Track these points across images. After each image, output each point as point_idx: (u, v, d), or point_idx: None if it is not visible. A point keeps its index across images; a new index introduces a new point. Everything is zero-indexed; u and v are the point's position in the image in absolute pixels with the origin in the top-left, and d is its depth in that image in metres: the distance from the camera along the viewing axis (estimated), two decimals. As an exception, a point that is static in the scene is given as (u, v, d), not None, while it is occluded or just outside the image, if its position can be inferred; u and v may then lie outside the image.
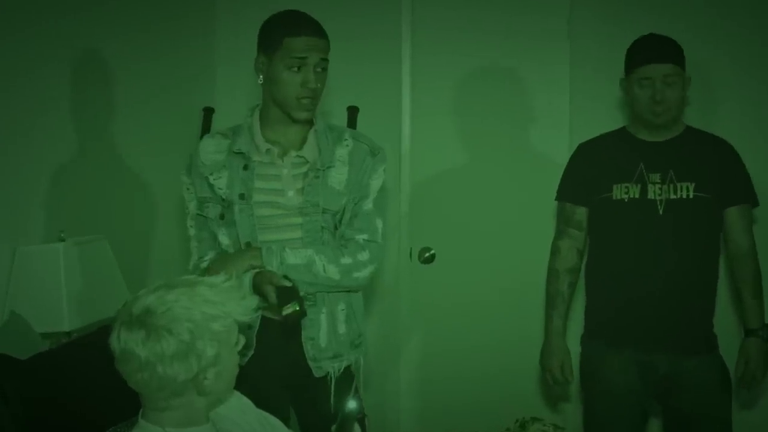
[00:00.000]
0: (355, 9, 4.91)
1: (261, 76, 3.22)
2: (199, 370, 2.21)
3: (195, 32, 4.94)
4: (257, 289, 3.07)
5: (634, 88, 3.69)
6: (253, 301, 2.36)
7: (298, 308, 2.97)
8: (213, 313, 2.22)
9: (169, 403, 2.27)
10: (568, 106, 4.68)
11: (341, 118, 4.50)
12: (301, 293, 3.05)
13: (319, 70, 3.17)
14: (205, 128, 4.73)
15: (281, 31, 3.14)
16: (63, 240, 3.61)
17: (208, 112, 4.83)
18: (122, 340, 2.20)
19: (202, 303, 2.23)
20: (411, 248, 4.94)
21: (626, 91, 3.76)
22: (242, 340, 2.37)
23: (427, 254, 4.93)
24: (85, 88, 4.00)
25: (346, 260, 3.22)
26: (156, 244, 4.57)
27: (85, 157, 4.00)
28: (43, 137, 3.77)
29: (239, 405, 2.56)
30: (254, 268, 3.12)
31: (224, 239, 3.26)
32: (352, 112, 4.65)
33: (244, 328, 2.46)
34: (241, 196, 3.20)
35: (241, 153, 3.23)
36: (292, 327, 3.19)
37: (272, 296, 3.03)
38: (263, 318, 3.21)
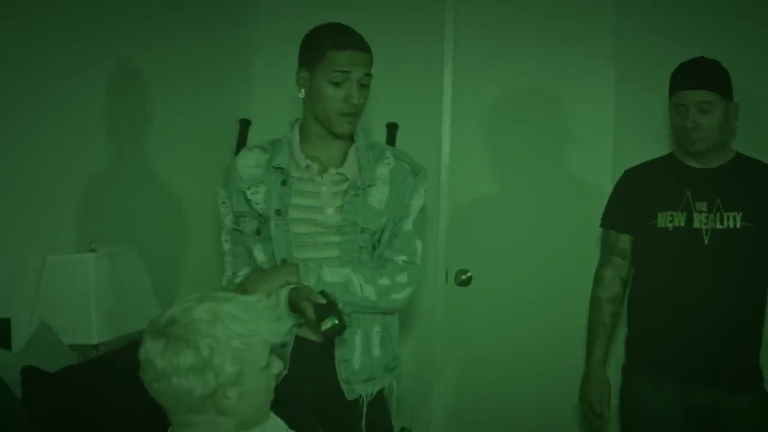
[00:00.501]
0: (397, 26, 4.91)
1: (302, 91, 3.20)
2: (218, 386, 2.21)
3: (232, 44, 4.96)
4: (294, 305, 3.06)
5: (673, 113, 3.67)
6: (286, 324, 2.35)
7: (337, 322, 2.95)
8: (237, 331, 2.22)
9: (191, 419, 2.27)
10: (613, 130, 4.64)
11: (380, 135, 4.49)
12: (339, 305, 3.02)
13: (362, 85, 3.15)
14: (241, 140, 4.74)
15: (325, 44, 3.12)
16: (94, 250, 3.62)
17: (245, 124, 4.84)
18: (146, 349, 2.23)
19: (227, 319, 2.23)
20: (447, 270, 4.92)
21: (670, 116, 3.73)
22: (278, 365, 2.35)
23: (463, 276, 4.91)
24: (120, 98, 4.03)
25: (384, 281, 3.19)
26: (189, 258, 4.57)
27: (119, 167, 4.02)
28: (79, 147, 3.80)
29: (272, 426, 2.55)
30: (290, 284, 3.10)
31: (260, 255, 3.24)
32: (392, 128, 4.64)
33: (277, 349, 2.45)
34: (278, 212, 3.18)
35: (280, 168, 3.21)
36: (330, 344, 3.18)
37: (310, 312, 3.01)
38: (297, 337, 3.20)
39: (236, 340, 2.22)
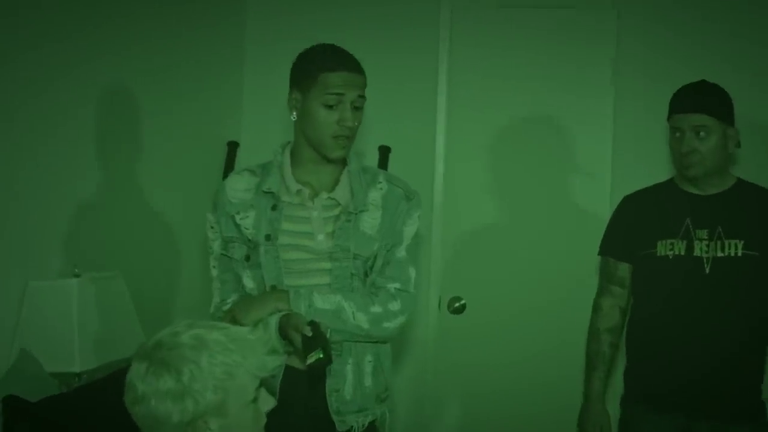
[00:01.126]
0: (390, 47, 4.93)
1: (294, 113, 3.18)
2: (197, 415, 2.18)
3: (222, 65, 4.97)
4: (283, 332, 3.03)
5: (670, 138, 3.66)
6: (276, 359, 2.33)
7: (322, 356, 2.92)
8: (221, 360, 2.20)
9: None
10: (611, 156, 4.66)
11: (372, 158, 4.48)
12: (328, 335, 2.99)
13: (355, 107, 3.13)
14: (229, 163, 4.73)
15: (317, 66, 3.10)
16: (77, 276, 3.59)
17: (233, 146, 4.83)
18: (130, 371, 2.23)
19: (213, 346, 2.21)
20: (440, 297, 4.91)
21: (668, 141, 3.73)
22: (269, 401, 2.33)
23: (457, 304, 4.90)
24: (110, 120, 4.03)
25: (376, 309, 3.17)
26: (176, 284, 4.57)
27: (106, 190, 4.02)
28: (65, 169, 3.80)
29: None
30: (280, 311, 3.08)
31: (249, 282, 3.22)
32: (384, 151, 4.64)
33: (267, 382, 2.42)
34: (267, 238, 3.16)
35: (271, 192, 3.19)
36: (317, 377, 3.15)
37: (298, 341, 2.98)
38: (287, 367, 3.17)
39: (219, 369, 2.20)
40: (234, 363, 2.22)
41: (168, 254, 4.53)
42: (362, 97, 3.15)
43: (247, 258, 3.21)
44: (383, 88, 4.56)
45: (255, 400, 2.29)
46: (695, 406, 3.61)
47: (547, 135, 4.79)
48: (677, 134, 3.60)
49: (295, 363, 3.16)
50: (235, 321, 3.07)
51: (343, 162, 3.24)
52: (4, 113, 3.50)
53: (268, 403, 2.33)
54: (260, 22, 5.10)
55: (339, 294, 3.15)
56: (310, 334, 2.94)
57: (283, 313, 3.07)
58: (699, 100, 3.59)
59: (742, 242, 3.58)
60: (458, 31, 4.88)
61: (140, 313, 3.89)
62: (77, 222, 3.84)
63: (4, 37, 3.48)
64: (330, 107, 3.09)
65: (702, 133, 3.56)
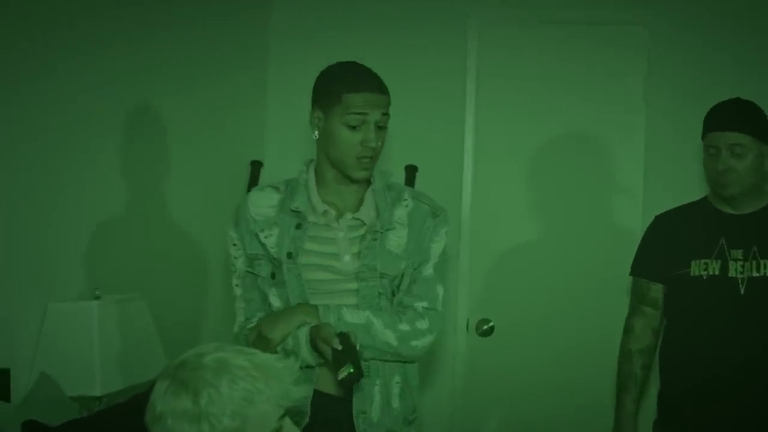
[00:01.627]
0: (417, 65, 4.93)
1: (316, 132, 3.18)
2: None
3: (247, 84, 4.99)
4: (314, 344, 3.02)
5: (705, 156, 3.65)
6: (302, 390, 2.30)
7: (352, 371, 2.89)
8: (243, 386, 2.17)
9: None
10: (642, 175, 4.63)
11: (399, 178, 4.48)
12: (357, 347, 2.96)
13: (379, 127, 3.11)
14: (253, 182, 4.74)
15: (340, 86, 3.08)
16: (98, 298, 3.60)
17: (256, 165, 4.83)
18: (154, 389, 2.21)
19: (236, 371, 2.18)
20: (468, 319, 4.89)
21: (703, 159, 3.71)
22: None
23: (485, 326, 4.88)
24: (134, 140, 4.04)
25: (404, 327, 3.15)
26: (200, 306, 4.57)
27: (128, 210, 4.03)
28: (88, 189, 3.82)
29: None
30: (308, 324, 3.06)
31: (275, 300, 3.20)
32: (411, 171, 4.63)
33: (295, 413, 2.39)
34: (289, 255, 3.15)
35: (298, 212, 3.19)
36: (348, 396, 3.14)
37: (329, 353, 2.95)
38: (313, 390, 3.15)
39: (238, 394, 2.18)
40: (256, 390, 2.19)
41: (191, 275, 4.54)
42: (386, 115, 3.13)
43: (273, 276, 3.20)
44: (410, 105, 4.60)
45: (278, 430, 2.28)
46: (732, 430, 3.57)
47: (578, 153, 4.78)
48: (712, 152, 3.58)
49: (321, 386, 3.15)
50: (261, 336, 3.07)
51: (368, 181, 3.24)
52: (29, 131, 3.52)
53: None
54: (284, 41, 5.11)
55: (368, 311, 3.14)
56: (339, 347, 2.92)
57: (312, 324, 3.05)
58: (735, 118, 3.57)
59: (779, 262, 3.56)
60: (486, 48, 4.87)
61: (163, 336, 3.89)
62: (98, 242, 3.85)
63: (31, 54, 3.50)
64: (353, 128, 3.07)
65: (738, 151, 3.54)
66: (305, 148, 3.32)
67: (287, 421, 2.28)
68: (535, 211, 4.84)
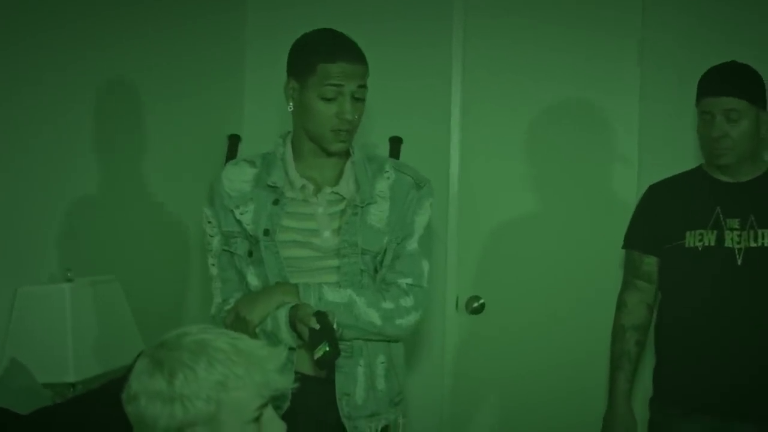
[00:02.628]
0: (400, 32, 4.89)
1: (291, 104, 3.18)
2: (185, 423, 2.16)
3: (223, 57, 4.97)
4: (293, 325, 3.02)
5: (699, 123, 3.65)
6: (284, 379, 2.30)
7: (328, 349, 2.91)
8: (221, 370, 2.18)
9: None
10: (637, 141, 4.62)
11: (383, 151, 4.48)
12: (335, 326, 2.97)
13: (356, 98, 3.12)
14: (230, 158, 4.73)
15: (315, 56, 3.09)
16: (70, 280, 3.59)
17: (234, 140, 4.83)
18: (133, 369, 2.23)
19: (214, 355, 2.19)
20: (458, 296, 4.90)
21: (697, 126, 3.72)
22: (277, 426, 2.29)
23: (475, 304, 4.88)
24: (105, 116, 4.03)
25: (388, 305, 3.16)
26: (178, 287, 4.56)
27: (101, 189, 4.02)
28: (59, 166, 3.79)
29: None
30: (288, 304, 3.07)
31: (253, 280, 3.21)
32: (395, 143, 4.62)
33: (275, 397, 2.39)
34: (266, 232, 3.16)
35: (275, 187, 3.20)
36: (330, 378, 3.16)
37: (306, 335, 2.97)
38: (295, 372, 3.14)
39: (214, 378, 2.19)
40: (233, 375, 2.19)
41: (169, 255, 4.53)
42: (363, 87, 3.13)
43: (250, 254, 3.20)
44: (393, 74, 4.59)
45: (257, 419, 2.28)
46: (731, 406, 3.59)
47: (570, 120, 4.75)
48: (707, 118, 3.59)
49: (302, 368, 3.16)
50: (239, 317, 3.08)
51: (347, 153, 3.24)
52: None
53: (275, 426, 2.27)
54: (262, 11, 5.09)
55: (349, 288, 3.15)
56: (317, 326, 2.93)
57: (292, 304, 3.06)
58: (730, 82, 3.57)
59: (777, 231, 3.57)
60: (473, 17, 4.85)
61: (139, 319, 3.88)
62: (70, 223, 3.84)
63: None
64: (328, 100, 3.08)
65: (733, 117, 3.54)
66: (286, 121, 3.31)
67: (269, 411, 2.27)
68: (526, 183, 4.82)
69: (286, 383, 2.29)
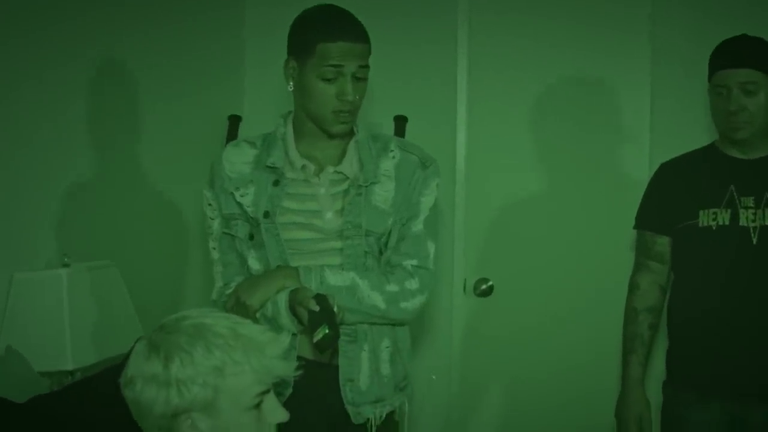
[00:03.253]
0: (405, 9, 4.87)
1: (291, 83, 3.17)
2: (180, 409, 2.17)
3: (222, 36, 4.96)
4: (293, 309, 3.02)
5: (713, 97, 3.63)
6: (285, 366, 2.30)
7: (328, 332, 2.90)
8: (219, 355, 2.18)
9: None
10: (649, 119, 4.62)
11: (388, 130, 4.47)
12: (335, 309, 2.96)
13: (357, 78, 3.10)
14: (231, 139, 4.71)
15: (314, 34, 3.07)
16: (67, 266, 3.58)
17: (234, 120, 4.82)
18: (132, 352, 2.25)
19: (212, 339, 2.19)
20: (465, 279, 4.90)
21: (710, 101, 3.70)
22: (279, 414, 2.28)
23: (484, 286, 4.88)
24: (102, 96, 4.02)
25: (392, 288, 3.15)
26: (178, 272, 4.57)
27: (99, 172, 4.01)
28: (55, 150, 3.79)
29: None
30: (288, 288, 3.07)
31: (255, 263, 3.21)
32: (400, 122, 4.61)
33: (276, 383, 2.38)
34: (266, 215, 3.16)
35: (275, 168, 3.19)
36: (333, 363, 3.16)
37: (305, 318, 2.96)
38: (298, 357, 3.13)
39: (211, 363, 2.18)
40: (231, 361, 2.19)
41: (168, 239, 4.53)
42: (365, 66, 3.12)
43: (251, 237, 3.20)
44: (398, 52, 4.57)
45: (258, 406, 2.27)
46: (747, 389, 3.58)
47: (580, 98, 4.75)
48: (722, 92, 3.57)
49: (305, 352, 3.16)
50: (239, 302, 3.07)
51: (351, 132, 3.23)
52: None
53: (277, 414, 2.28)
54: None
55: (352, 271, 3.14)
56: (316, 308, 2.93)
57: (292, 288, 3.06)
58: (746, 54, 3.56)
59: (793, 209, 3.56)
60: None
61: (138, 306, 3.88)
62: (67, 207, 3.83)
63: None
64: (328, 80, 3.07)
65: (751, 89, 3.53)
66: (288, 100, 3.30)
67: (270, 399, 2.26)
68: (535, 162, 4.82)
69: (287, 370, 2.29)
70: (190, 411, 2.18)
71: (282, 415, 2.28)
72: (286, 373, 2.29)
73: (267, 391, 2.25)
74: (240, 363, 2.20)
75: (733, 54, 3.57)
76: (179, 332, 2.20)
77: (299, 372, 2.34)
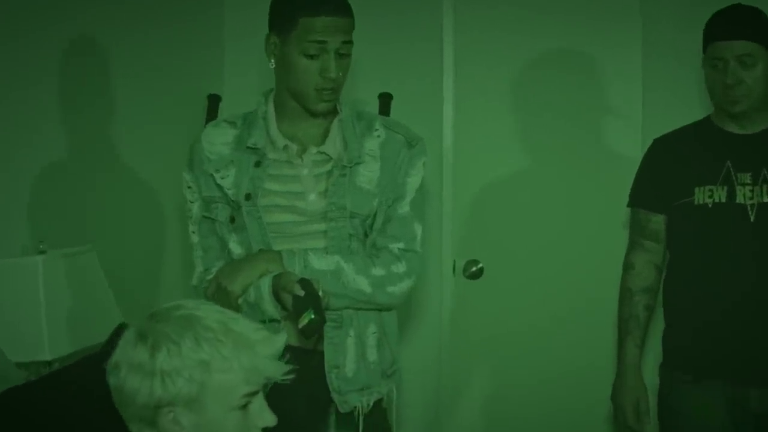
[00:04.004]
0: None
1: (272, 60, 3.15)
2: (163, 401, 2.16)
3: (201, 12, 4.94)
4: (277, 295, 3.01)
5: (708, 70, 3.60)
6: (275, 367, 2.28)
7: (313, 317, 2.89)
8: (207, 349, 2.17)
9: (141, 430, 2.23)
10: (641, 93, 4.62)
11: (373, 108, 4.45)
12: (320, 293, 2.95)
13: (341, 54, 3.09)
14: (210, 120, 4.69)
15: (296, 8, 3.05)
16: (43, 252, 3.56)
17: (214, 100, 4.80)
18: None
19: (201, 332, 2.18)
20: (454, 261, 4.90)
21: (705, 74, 3.67)
22: (266, 418, 2.25)
23: (473, 268, 4.88)
24: (76, 75, 3.99)
25: (378, 271, 3.14)
26: (158, 257, 4.56)
27: (74, 154, 3.99)
28: (26, 131, 3.75)
29: None
30: (271, 273, 3.05)
31: (236, 247, 3.20)
32: (385, 100, 4.59)
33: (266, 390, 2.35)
34: (247, 197, 3.14)
35: (256, 148, 3.16)
36: (318, 349, 3.15)
37: (289, 303, 2.96)
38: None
39: (198, 357, 2.16)
40: (219, 356, 2.17)
41: (147, 224, 4.52)
42: (348, 42, 3.11)
43: (232, 220, 3.19)
44: (382, 27, 4.56)
45: (245, 407, 2.25)
46: (745, 371, 3.58)
47: (569, 73, 4.75)
48: (718, 65, 3.54)
49: (289, 339, 3.14)
50: (221, 288, 3.05)
51: (335, 111, 3.21)
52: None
53: (264, 418, 2.26)
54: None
55: (337, 255, 3.12)
56: (301, 293, 2.91)
57: (275, 273, 3.04)
58: (742, 25, 3.53)
59: (792, 185, 3.55)
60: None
61: (117, 292, 3.86)
62: (41, 191, 3.82)
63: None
64: (311, 57, 3.06)
65: (748, 62, 3.50)
66: (269, 79, 3.28)
67: (258, 401, 2.25)
68: (525, 140, 4.82)
69: (278, 371, 2.26)
70: (174, 405, 2.17)
71: (270, 420, 2.27)
72: (277, 374, 2.26)
73: (256, 393, 2.23)
74: (228, 359, 2.18)
75: (729, 25, 3.55)
76: (169, 322, 2.19)
77: (291, 377, 2.32)
